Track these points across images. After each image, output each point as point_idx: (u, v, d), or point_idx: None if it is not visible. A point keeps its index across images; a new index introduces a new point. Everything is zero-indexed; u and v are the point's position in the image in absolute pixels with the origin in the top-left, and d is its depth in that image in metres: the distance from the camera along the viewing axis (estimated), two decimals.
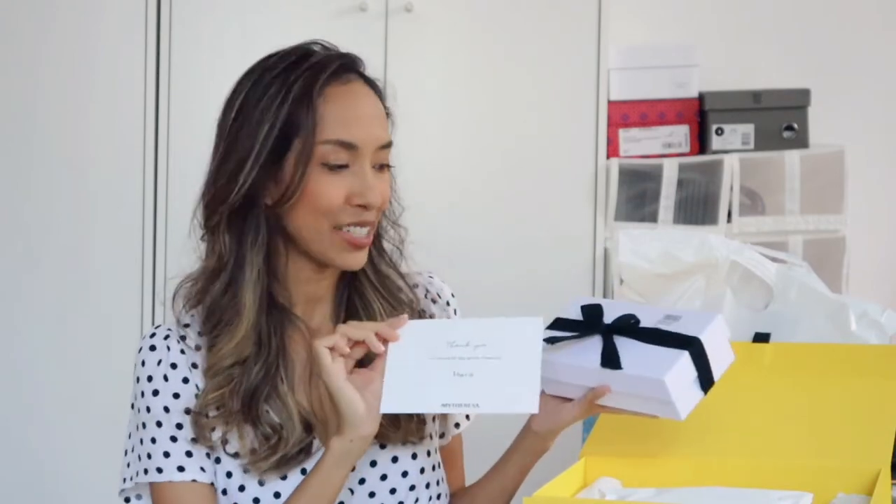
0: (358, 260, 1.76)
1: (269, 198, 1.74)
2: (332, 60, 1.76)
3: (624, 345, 1.71)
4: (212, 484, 1.74)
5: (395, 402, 1.67)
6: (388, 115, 1.81)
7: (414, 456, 1.81)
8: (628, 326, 1.72)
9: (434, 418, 1.86)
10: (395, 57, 3.34)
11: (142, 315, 3.33)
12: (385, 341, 1.70)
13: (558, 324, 1.78)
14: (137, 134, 3.32)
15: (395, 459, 1.80)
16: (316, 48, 1.78)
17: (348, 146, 1.72)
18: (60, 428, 3.33)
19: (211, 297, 1.76)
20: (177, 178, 3.31)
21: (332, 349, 1.68)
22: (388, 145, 1.77)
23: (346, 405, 1.67)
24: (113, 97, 3.32)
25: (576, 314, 1.78)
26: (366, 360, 1.71)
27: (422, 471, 1.82)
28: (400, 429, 1.77)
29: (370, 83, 1.79)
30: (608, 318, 1.74)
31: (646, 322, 1.72)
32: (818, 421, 1.82)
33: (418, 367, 1.68)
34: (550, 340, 1.73)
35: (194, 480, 1.73)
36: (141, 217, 3.32)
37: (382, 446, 1.79)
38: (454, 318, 1.84)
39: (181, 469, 1.73)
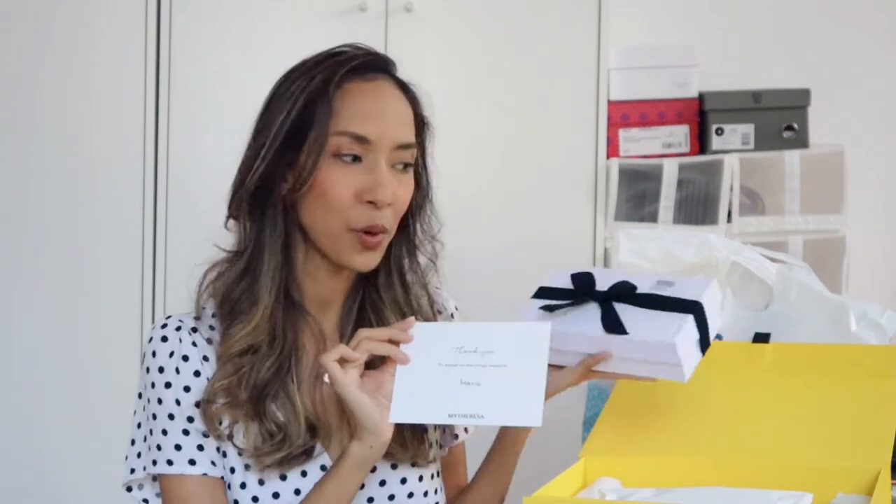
0: (369, 261, 1.75)
1: (286, 189, 1.75)
2: (356, 57, 1.78)
3: (623, 311, 1.72)
4: (222, 478, 1.75)
5: (405, 411, 1.67)
6: (424, 123, 1.81)
7: (414, 464, 1.82)
8: (625, 293, 1.73)
9: (435, 428, 1.86)
10: (395, 57, 3.33)
11: (142, 315, 3.33)
12: (396, 344, 1.71)
13: (543, 293, 1.78)
14: (137, 134, 3.32)
15: (394, 466, 1.80)
16: (349, 48, 1.80)
17: (361, 139, 1.72)
18: (61, 428, 3.33)
19: (226, 283, 1.77)
20: (177, 179, 3.31)
21: (342, 360, 1.67)
22: (407, 146, 1.76)
23: (362, 415, 1.67)
24: (113, 97, 3.32)
25: (561, 283, 1.78)
26: (373, 363, 1.72)
27: (420, 479, 1.82)
28: (408, 450, 1.78)
29: (402, 86, 1.80)
30: (601, 286, 1.75)
31: (640, 288, 1.73)
32: (818, 421, 1.82)
33: (427, 374, 1.68)
34: (548, 308, 1.74)
35: (205, 474, 1.73)
36: (141, 217, 3.32)
37: (393, 466, 1.80)
38: (463, 322, 1.83)
39: (192, 462, 1.73)
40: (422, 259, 1.84)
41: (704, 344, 1.72)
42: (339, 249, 1.74)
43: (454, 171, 3.44)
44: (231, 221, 1.81)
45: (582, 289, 1.75)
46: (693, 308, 1.70)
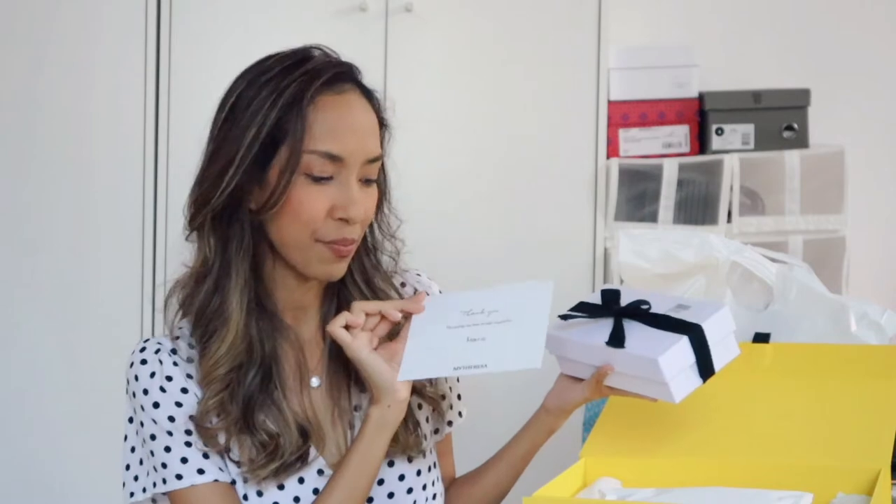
0: (337, 271, 1.75)
1: (253, 203, 1.73)
2: (328, 68, 1.74)
3: (632, 327, 1.74)
4: (232, 482, 1.74)
5: (413, 369, 1.71)
6: (384, 126, 1.79)
7: (410, 459, 1.81)
8: (639, 311, 1.75)
9: (427, 419, 1.86)
10: (395, 57, 3.34)
11: (142, 316, 3.33)
12: (409, 315, 1.73)
13: (581, 308, 1.82)
14: (137, 134, 3.32)
15: (391, 464, 1.80)
16: (316, 53, 1.76)
17: (335, 158, 1.70)
18: (61, 428, 3.33)
19: (198, 303, 1.75)
20: (177, 179, 3.30)
21: (348, 326, 1.70)
22: (376, 159, 1.75)
23: (376, 374, 1.70)
24: (113, 97, 3.31)
25: (598, 299, 1.82)
26: (390, 337, 1.74)
27: (418, 473, 1.82)
28: (399, 443, 1.78)
29: (367, 94, 1.77)
30: (624, 303, 1.78)
31: (657, 309, 1.75)
32: (818, 421, 1.82)
33: (436, 336, 1.72)
34: (564, 317, 1.79)
35: (216, 480, 1.72)
36: (141, 217, 3.32)
37: (390, 464, 1.80)
38: (472, 290, 1.82)
39: (201, 472, 1.72)
40: (384, 259, 1.84)
41: (705, 369, 1.72)
42: (308, 261, 1.73)
43: (454, 171, 3.44)
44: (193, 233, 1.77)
45: (605, 303, 1.79)
46: (691, 330, 1.70)
